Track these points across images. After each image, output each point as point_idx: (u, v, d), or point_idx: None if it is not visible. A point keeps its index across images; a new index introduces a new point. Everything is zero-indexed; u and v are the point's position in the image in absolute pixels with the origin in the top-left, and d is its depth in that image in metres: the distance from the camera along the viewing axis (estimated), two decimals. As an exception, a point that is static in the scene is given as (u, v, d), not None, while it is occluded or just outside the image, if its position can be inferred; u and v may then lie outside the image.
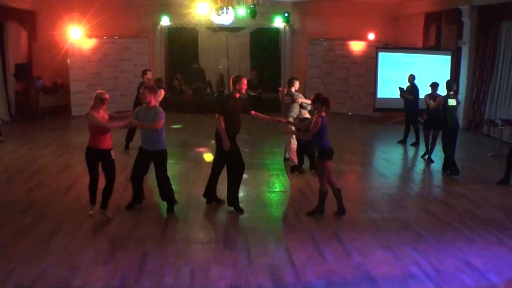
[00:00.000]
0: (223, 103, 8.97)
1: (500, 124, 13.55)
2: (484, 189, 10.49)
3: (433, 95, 12.44)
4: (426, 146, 13.03)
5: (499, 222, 8.48)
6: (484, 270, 6.66)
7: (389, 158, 13.22)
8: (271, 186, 10.54)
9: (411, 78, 15.07)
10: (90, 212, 8.57)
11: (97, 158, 8.38)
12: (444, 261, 6.93)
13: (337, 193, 8.73)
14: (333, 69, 20.90)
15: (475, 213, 8.94)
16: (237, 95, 8.76)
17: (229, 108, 8.67)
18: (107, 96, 8.33)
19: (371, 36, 20.71)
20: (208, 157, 13.06)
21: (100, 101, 8.24)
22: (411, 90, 14.86)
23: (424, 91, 15.15)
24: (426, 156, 12.93)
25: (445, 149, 11.66)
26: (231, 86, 8.85)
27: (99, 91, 8.47)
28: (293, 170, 11.49)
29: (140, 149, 8.77)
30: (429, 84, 12.97)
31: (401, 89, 15.06)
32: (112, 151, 8.42)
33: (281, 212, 9.05)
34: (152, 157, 8.69)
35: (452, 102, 11.52)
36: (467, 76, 16.81)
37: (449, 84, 11.87)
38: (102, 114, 8.30)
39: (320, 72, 21.04)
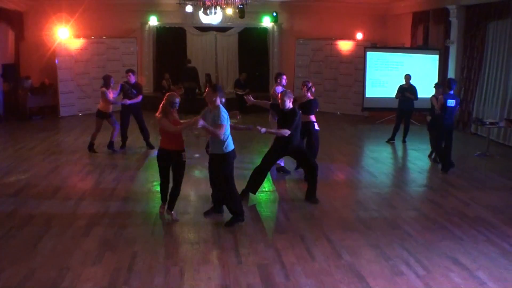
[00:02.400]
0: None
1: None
2: (472, 188, 10.55)
3: (437, 97, 12.25)
4: (432, 146, 12.94)
5: (487, 221, 8.53)
6: (472, 268, 6.70)
7: (378, 157, 13.25)
8: (260, 186, 10.54)
9: (408, 77, 15.19)
10: (160, 210, 8.57)
11: (169, 159, 8.22)
12: (433, 260, 6.96)
13: None
14: (321, 68, 20.94)
15: (464, 212, 8.99)
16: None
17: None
18: (177, 99, 8.10)
19: (359, 35, 20.75)
20: (196, 159, 13.06)
21: (170, 105, 8.02)
22: (412, 90, 14.99)
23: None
24: (433, 156, 12.90)
25: (437, 146, 11.83)
26: None
27: (169, 93, 8.23)
28: (279, 170, 11.49)
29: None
30: (433, 85, 12.90)
31: (403, 88, 15.08)
32: (184, 153, 8.19)
33: (270, 212, 9.05)
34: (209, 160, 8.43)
35: (450, 102, 11.50)
36: (455, 75, 16.87)
37: (449, 83, 11.73)
38: (174, 116, 8.16)
39: (308, 71, 21.06)
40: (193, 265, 6.75)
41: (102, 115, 13.00)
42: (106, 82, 12.87)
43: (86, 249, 7.21)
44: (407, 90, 14.98)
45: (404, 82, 15.18)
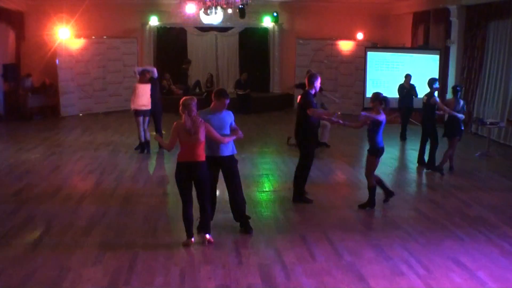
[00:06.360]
0: (309, 99, 9.14)
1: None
2: (473, 188, 10.54)
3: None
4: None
5: (488, 221, 8.52)
6: (473, 268, 6.69)
7: (379, 157, 13.23)
8: (261, 186, 10.54)
9: (409, 77, 15.72)
10: None
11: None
12: (434, 260, 6.95)
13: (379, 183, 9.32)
14: (322, 68, 20.90)
15: (464, 212, 8.98)
16: (313, 91, 9.27)
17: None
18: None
19: (360, 35, 20.77)
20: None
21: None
22: (413, 89, 15.51)
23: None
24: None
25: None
26: (307, 83, 9.31)
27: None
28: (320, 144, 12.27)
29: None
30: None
31: (405, 88, 15.39)
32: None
33: (271, 212, 9.04)
34: None
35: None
36: (456, 76, 16.89)
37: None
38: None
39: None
40: (194, 265, 6.75)
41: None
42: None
43: (87, 249, 7.21)
44: (411, 90, 15.50)
45: (404, 81, 15.65)
